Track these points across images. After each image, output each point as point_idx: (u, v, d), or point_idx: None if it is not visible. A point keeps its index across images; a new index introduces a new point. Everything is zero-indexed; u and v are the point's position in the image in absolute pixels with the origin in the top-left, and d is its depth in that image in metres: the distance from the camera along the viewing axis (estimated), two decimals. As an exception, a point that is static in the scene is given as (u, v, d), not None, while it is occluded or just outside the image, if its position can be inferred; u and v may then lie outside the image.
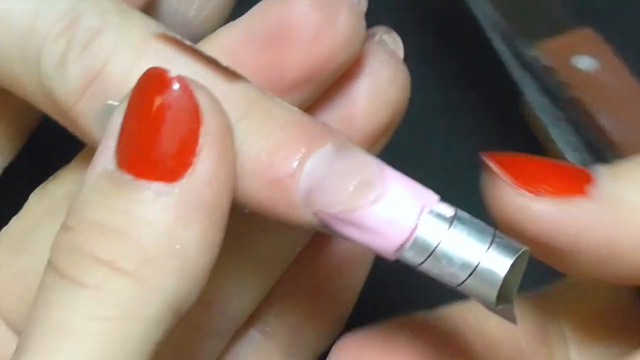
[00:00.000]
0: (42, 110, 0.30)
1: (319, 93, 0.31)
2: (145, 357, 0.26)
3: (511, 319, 0.30)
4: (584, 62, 0.49)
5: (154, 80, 0.26)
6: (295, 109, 0.29)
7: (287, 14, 0.30)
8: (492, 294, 0.28)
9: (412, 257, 0.28)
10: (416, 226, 0.28)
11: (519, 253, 0.28)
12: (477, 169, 0.51)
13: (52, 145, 0.33)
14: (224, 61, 0.29)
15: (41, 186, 0.33)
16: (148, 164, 0.25)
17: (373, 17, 0.57)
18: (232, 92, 0.28)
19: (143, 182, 0.25)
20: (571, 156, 0.48)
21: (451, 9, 0.53)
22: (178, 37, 0.29)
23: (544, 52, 0.49)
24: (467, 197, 0.51)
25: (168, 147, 0.25)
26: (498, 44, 0.48)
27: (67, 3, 0.28)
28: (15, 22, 0.28)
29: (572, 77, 0.49)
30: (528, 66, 0.49)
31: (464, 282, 0.28)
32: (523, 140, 0.49)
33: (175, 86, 0.26)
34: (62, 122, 0.29)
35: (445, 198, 0.49)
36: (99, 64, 0.28)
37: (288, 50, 0.30)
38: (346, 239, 0.28)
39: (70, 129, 0.29)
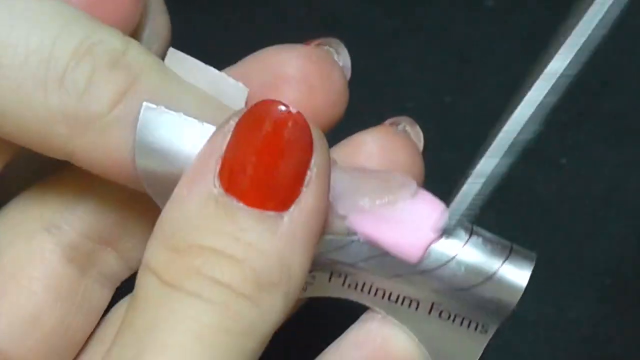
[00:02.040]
0: (41, 145, 0.29)
1: None
2: None
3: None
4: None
5: (277, 114, 0.27)
6: None
7: (283, 66, 0.32)
8: (515, 296, 0.29)
9: (436, 258, 0.29)
10: (446, 224, 0.29)
11: (535, 258, 0.30)
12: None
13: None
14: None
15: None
16: (262, 193, 0.27)
17: (369, 21, 0.58)
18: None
19: (255, 211, 0.27)
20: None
21: (446, 15, 0.53)
22: (190, 58, 0.30)
23: None
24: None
25: (283, 178, 0.27)
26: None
27: (84, 31, 0.29)
28: (32, 52, 0.28)
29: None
30: None
31: (483, 283, 0.29)
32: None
33: (298, 121, 0.27)
34: (75, 143, 0.29)
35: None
36: (130, 78, 0.29)
37: (283, 97, 0.31)
38: (374, 241, 0.29)
39: (87, 148, 0.29)
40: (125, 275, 0.33)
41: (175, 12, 0.52)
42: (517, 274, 0.29)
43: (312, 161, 0.27)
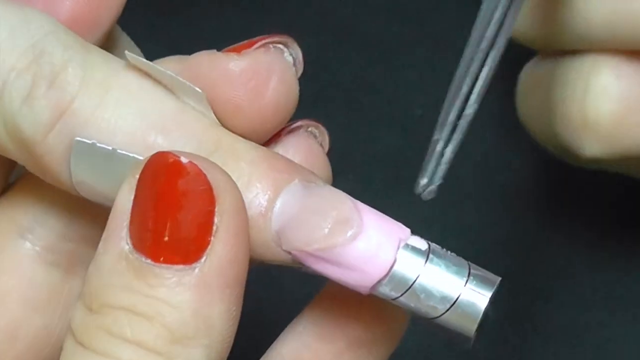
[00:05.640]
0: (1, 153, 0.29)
1: None
2: None
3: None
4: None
5: (168, 167, 0.27)
6: (258, 145, 0.29)
7: (218, 78, 0.30)
8: (472, 326, 0.28)
9: (387, 292, 0.28)
10: (395, 261, 0.28)
11: (495, 286, 0.28)
12: (478, 183, 0.52)
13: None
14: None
15: None
16: (167, 248, 0.26)
17: (378, 29, 0.58)
18: (201, 127, 0.29)
19: (163, 266, 0.26)
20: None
21: (453, 22, 0.53)
22: (147, 63, 0.29)
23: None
24: (468, 212, 0.51)
25: (185, 231, 0.26)
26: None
27: (29, 39, 0.28)
28: None
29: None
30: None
31: (441, 315, 0.28)
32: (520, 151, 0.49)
33: (190, 172, 0.26)
34: (23, 159, 0.29)
35: (445, 212, 0.50)
36: (66, 99, 0.28)
37: (226, 102, 0.30)
38: (320, 274, 0.29)
39: (32, 166, 0.29)
40: None
41: (179, 18, 0.52)
42: (472, 306, 0.28)
43: (217, 209, 0.26)
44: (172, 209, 0.26)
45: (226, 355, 0.27)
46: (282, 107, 0.30)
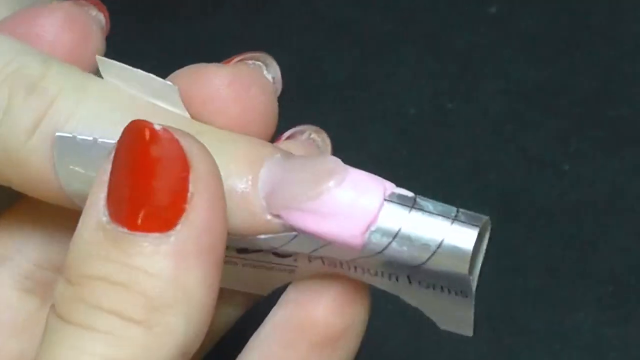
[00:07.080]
0: None
1: None
2: None
3: (468, 329, 0.30)
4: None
5: (140, 134, 0.27)
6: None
7: (201, 87, 0.31)
8: (465, 265, 0.28)
9: (378, 241, 0.28)
10: (382, 205, 0.28)
11: (483, 222, 0.29)
12: (471, 183, 0.52)
13: None
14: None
15: None
16: (143, 217, 0.26)
17: (371, 27, 0.58)
18: (179, 119, 0.29)
19: (139, 235, 0.26)
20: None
21: (447, 20, 0.53)
22: (118, 64, 0.30)
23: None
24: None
25: (160, 199, 0.26)
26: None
27: (3, 58, 0.29)
28: None
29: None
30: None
31: (432, 257, 0.28)
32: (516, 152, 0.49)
33: (163, 138, 0.27)
34: (8, 174, 0.29)
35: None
36: (46, 103, 0.28)
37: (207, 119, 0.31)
38: (312, 234, 0.29)
39: (16, 178, 0.29)
40: None
41: (175, 17, 0.53)
42: (460, 241, 0.28)
43: (191, 176, 0.27)
44: (146, 176, 0.26)
45: (206, 327, 0.27)
46: (262, 115, 0.31)
